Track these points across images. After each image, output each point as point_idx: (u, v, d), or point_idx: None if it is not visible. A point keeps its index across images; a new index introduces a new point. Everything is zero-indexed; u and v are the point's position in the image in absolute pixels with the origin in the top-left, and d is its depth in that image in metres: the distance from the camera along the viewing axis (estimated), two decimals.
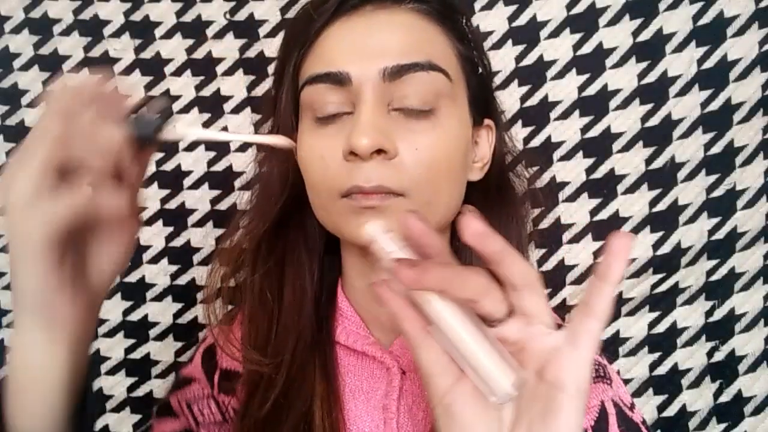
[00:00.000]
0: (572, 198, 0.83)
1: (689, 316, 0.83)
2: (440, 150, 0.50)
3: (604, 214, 0.83)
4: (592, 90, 0.82)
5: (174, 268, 0.91)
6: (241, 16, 0.88)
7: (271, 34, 0.87)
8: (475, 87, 0.56)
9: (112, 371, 0.93)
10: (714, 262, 0.82)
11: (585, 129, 0.83)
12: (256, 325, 0.60)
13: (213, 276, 0.62)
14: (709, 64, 0.80)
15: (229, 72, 0.89)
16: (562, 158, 0.83)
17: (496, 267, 0.35)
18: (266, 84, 0.88)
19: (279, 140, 0.49)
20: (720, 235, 0.81)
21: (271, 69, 0.85)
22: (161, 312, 0.92)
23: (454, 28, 0.54)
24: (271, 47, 0.87)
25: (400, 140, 0.49)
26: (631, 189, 0.82)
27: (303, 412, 0.55)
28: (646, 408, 0.83)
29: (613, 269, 0.34)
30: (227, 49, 0.89)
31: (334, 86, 0.50)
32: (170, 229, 0.91)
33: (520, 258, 0.35)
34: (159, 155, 0.90)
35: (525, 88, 0.83)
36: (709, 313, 0.83)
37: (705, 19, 0.80)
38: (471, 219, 0.35)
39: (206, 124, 0.89)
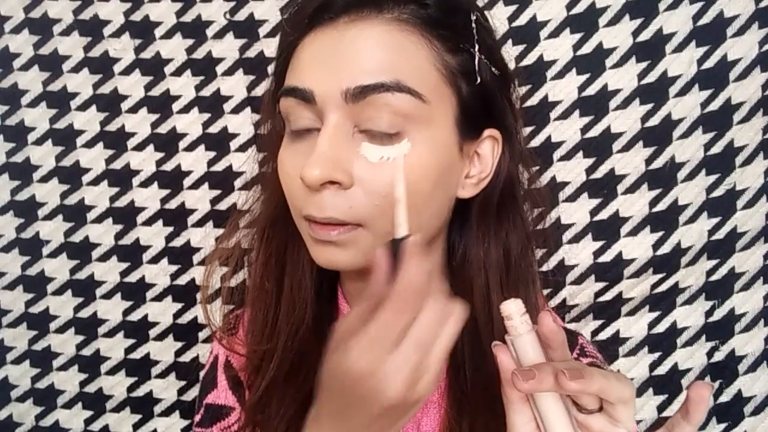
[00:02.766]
0: (572, 198, 0.83)
1: (689, 316, 0.83)
2: (403, 179, 0.47)
3: (604, 214, 0.83)
4: (592, 90, 0.82)
5: (174, 268, 0.91)
6: (241, 16, 0.88)
7: (271, 34, 0.87)
8: (471, 99, 0.51)
9: (112, 371, 0.93)
10: (714, 262, 0.82)
11: (585, 129, 0.82)
12: (255, 312, 0.60)
13: (210, 277, 0.62)
14: (709, 64, 0.80)
15: (229, 72, 0.89)
16: (562, 158, 0.83)
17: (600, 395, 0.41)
18: (266, 84, 0.88)
19: None
20: (720, 235, 0.81)
21: (271, 69, 0.85)
22: (161, 312, 0.92)
23: (444, 38, 0.49)
24: (271, 47, 0.87)
25: (359, 168, 0.47)
26: (631, 189, 0.82)
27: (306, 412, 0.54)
28: (646, 408, 0.83)
29: (693, 415, 0.41)
30: (227, 49, 0.89)
31: (300, 102, 0.49)
32: (170, 229, 0.91)
33: (616, 378, 0.40)
34: (159, 155, 0.91)
35: (525, 88, 0.83)
36: (709, 313, 0.83)
37: (705, 19, 0.80)
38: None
39: (206, 124, 0.89)
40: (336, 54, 0.47)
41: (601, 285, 0.83)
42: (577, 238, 0.83)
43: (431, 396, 0.56)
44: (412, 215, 0.48)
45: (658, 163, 0.82)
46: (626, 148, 0.82)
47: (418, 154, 0.48)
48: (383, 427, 0.42)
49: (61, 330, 0.94)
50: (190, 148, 0.90)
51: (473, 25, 0.51)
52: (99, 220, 0.92)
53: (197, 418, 0.63)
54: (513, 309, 0.43)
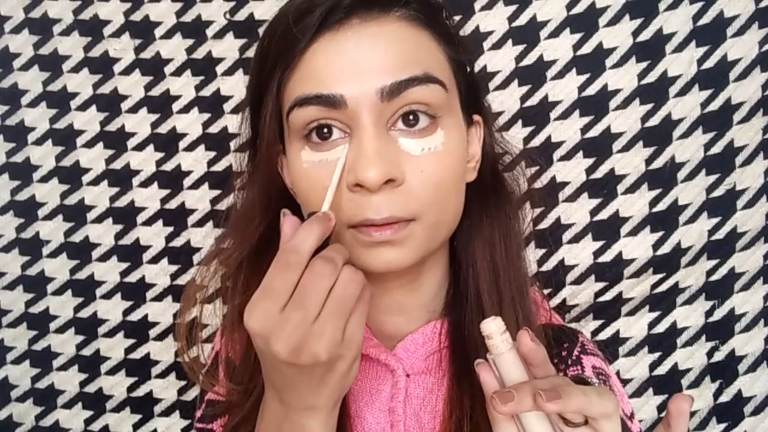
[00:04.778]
0: (572, 198, 0.83)
1: (689, 316, 0.83)
2: (445, 167, 0.48)
3: (604, 214, 0.83)
4: (592, 90, 0.82)
5: (174, 268, 0.91)
6: (241, 16, 0.88)
7: None
8: (465, 88, 0.54)
9: (112, 371, 0.93)
10: (714, 262, 0.82)
11: (585, 129, 0.82)
12: (235, 347, 0.57)
13: (186, 315, 0.58)
14: (709, 64, 0.80)
15: (229, 72, 0.89)
16: (562, 158, 0.83)
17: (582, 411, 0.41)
18: None
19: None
20: (720, 235, 0.81)
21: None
22: (161, 312, 0.92)
23: (442, 31, 0.51)
24: None
25: (404, 163, 0.47)
26: (631, 189, 0.82)
27: None
28: (646, 408, 0.83)
29: (675, 428, 0.43)
30: (227, 49, 0.89)
31: (326, 108, 0.47)
32: (170, 229, 0.91)
33: (597, 394, 0.40)
34: (159, 155, 0.91)
35: (525, 88, 0.83)
36: (709, 313, 0.83)
37: (705, 19, 0.80)
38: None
39: (206, 124, 0.89)
40: (360, 54, 0.47)
41: (601, 285, 0.83)
42: (577, 238, 0.83)
43: (437, 380, 0.56)
44: (453, 203, 0.51)
45: (658, 163, 0.82)
46: (626, 148, 0.82)
47: (450, 140, 0.49)
48: (305, 390, 0.44)
49: (61, 330, 0.94)
50: (190, 148, 0.90)
51: (447, 22, 0.54)
52: (99, 220, 0.92)
53: (198, 413, 0.62)
54: (493, 328, 0.43)
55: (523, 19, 0.83)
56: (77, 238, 0.93)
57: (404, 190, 0.47)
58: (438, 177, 0.48)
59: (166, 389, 0.92)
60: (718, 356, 0.83)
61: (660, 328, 0.83)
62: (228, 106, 0.89)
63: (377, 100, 0.46)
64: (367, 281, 0.44)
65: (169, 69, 0.90)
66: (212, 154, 0.90)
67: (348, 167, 0.47)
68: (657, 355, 0.83)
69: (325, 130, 0.48)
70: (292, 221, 0.45)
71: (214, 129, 0.89)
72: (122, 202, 0.92)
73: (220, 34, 0.88)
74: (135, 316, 0.92)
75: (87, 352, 0.93)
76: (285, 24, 0.49)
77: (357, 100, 0.46)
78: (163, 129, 0.90)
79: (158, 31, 0.90)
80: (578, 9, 0.82)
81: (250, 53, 0.88)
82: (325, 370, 0.43)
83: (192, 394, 0.91)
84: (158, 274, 0.91)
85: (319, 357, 0.41)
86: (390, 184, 0.47)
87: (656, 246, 0.82)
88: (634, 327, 0.83)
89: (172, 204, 0.91)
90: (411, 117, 0.48)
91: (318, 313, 0.41)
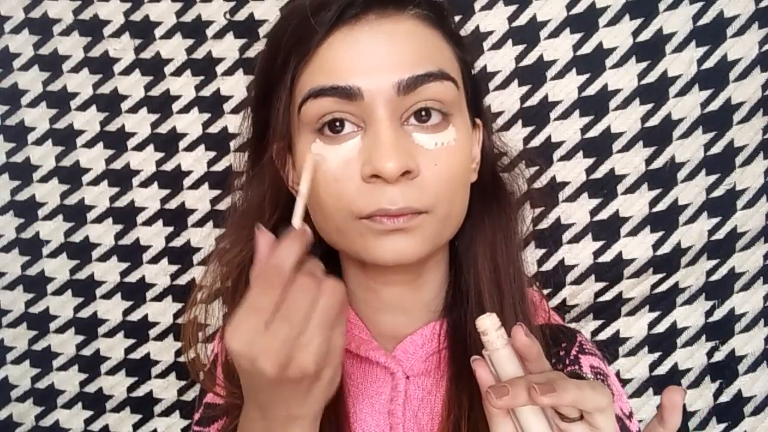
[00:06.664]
0: (572, 198, 0.83)
1: (689, 316, 0.83)
2: (456, 162, 0.49)
3: (604, 214, 0.83)
4: (592, 90, 0.82)
5: (174, 268, 0.91)
6: (241, 16, 0.88)
7: None
8: (471, 89, 0.55)
9: (112, 371, 0.93)
10: (714, 262, 0.82)
11: (585, 129, 0.83)
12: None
13: (193, 314, 0.58)
14: (709, 64, 0.80)
15: (229, 72, 0.89)
16: (562, 158, 0.83)
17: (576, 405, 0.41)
18: None
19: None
20: (720, 235, 0.82)
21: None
22: (161, 312, 0.92)
23: (451, 32, 0.52)
24: None
25: (419, 156, 0.48)
26: (631, 189, 0.82)
27: None
28: (646, 408, 0.83)
29: (668, 421, 0.43)
30: (227, 49, 0.89)
31: (341, 101, 0.47)
32: (170, 229, 0.91)
33: (591, 388, 0.40)
34: (159, 155, 0.91)
35: (525, 88, 0.83)
36: (709, 313, 0.83)
37: (705, 19, 0.80)
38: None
39: (206, 124, 0.90)
40: (377, 49, 0.47)
41: (601, 285, 0.83)
42: (577, 238, 0.83)
43: (436, 381, 0.56)
44: (461, 199, 0.51)
45: (658, 163, 0.82)
46: (626, 148, 0.82)
47: (461, 137, 0.50)
48: (291, 402, 0.43)
49: (61, 330, 0.94)
50: (190, 148, 0.90)
51: (453, 23, 0.55)
52: (99, 220, 0.92)
53: (196, 416, 0.62)
54: (488, 324, 0.44)
55: (523, 19, 0.83)
56: (77, 238, 0.93)
57: (419, 183, 0.48)
58: (451, 171, 0.49)
59: (166, 389, 0.92)
60: (718, 356, 0.83)
61: (660, 328, 0.83)
62: (228, 106, 0.89)
63: (393, 93, 0.47)
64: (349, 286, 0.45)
65: (169, 69, 0.90)
66: (212, 154, 0.90)
67: (364, 159, 0.47)
68: (657, 355, 0.83)
69: (338, 123, 0.49)
70: (268, 238, 0.44)
71: (214, 129, 0.89)
72: (122, 202, 0.92)
73: (220, 34, 0.89)
74: (135, 316, 0.92)
75: (87, 352, 0.93)
76: (300, 17, 0.49)
77: (373, 93, 0.47)
78: (163, 129, 0.90)
79: (158, 31, 0.90)
80: (578, 9, 0.82)
81: (251, 53, 0.88)
82: (312, 381, 0.43)
83: (192, 394, 0.91)
84: (158, 274, 0.91)
85: (308, 369, 0.41)
86: (406, 176, 0.47)
87: (656, 246, 0.82)
88: (634, 327, 0.83)
89: (172, 204, 0.91)
90: (423, 113, 0.48)
91: (303, 326, 0.41)
